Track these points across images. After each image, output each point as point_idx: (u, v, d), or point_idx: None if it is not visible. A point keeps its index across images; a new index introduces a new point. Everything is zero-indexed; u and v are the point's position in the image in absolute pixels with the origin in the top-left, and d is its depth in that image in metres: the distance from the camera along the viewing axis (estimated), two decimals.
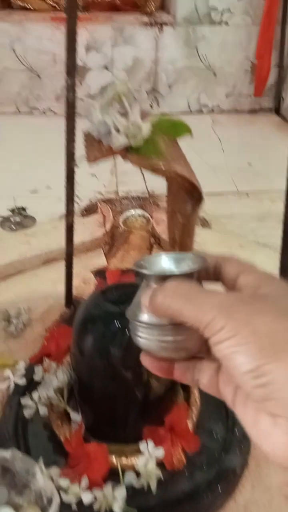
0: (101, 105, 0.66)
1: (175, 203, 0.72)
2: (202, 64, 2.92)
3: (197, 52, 2.87)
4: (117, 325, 0.79)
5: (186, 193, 0.63)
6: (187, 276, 0.36)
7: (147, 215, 1.82)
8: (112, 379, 0.79)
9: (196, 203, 0.65)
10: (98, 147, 0.64)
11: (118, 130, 0.63)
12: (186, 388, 0.98)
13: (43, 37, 2.70)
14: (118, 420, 0.84)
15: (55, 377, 0.92)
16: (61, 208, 1.86)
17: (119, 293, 0.84)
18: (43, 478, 0.78)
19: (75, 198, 1.11)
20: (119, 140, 0.61)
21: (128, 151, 0.62)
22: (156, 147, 0.63)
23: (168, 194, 0.76)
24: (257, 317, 0.32)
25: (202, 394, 0.97)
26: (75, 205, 1.11)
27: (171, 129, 0.70)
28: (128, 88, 0.68)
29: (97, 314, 0.82)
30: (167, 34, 2.79)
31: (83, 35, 2.70)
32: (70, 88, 0.94)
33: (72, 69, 0.93)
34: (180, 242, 0.77)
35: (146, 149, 0.63)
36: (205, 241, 1.49)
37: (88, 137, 0.67)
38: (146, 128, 0.63)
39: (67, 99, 0.94)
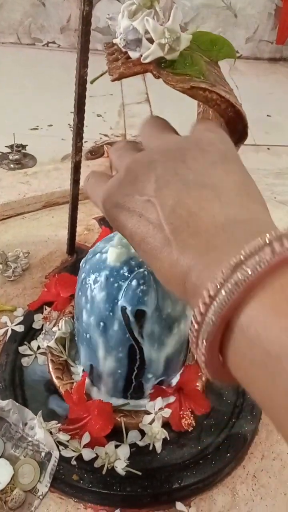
0: (130, 10, 0.54)
1: None
2: (222, 2, 2.69)
3: None
4: (127, 275, 0.71)
5: (229, 125, 0.53)
6: None
7: None
8: (121, 333, 0.72)
9: (239, 138, 0.55)
10: (124, 61, 0.53)
11: (150, 39, 0.51)
12: None
13: None
14: (124, 377, 0.77)
15: (57, 327, 0.85)
16: (64, 149, 1.75)
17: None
18: (42, 431, 0.73)
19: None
20: (150, 50, 0.50)
21: (160, 67, 0.51)
22: (194, 64, 0.52)
23: None
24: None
25: None
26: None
27: (212, 47, 0.58)
28: None
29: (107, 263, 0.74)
30: None
31: None
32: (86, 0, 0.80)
33: None
34: None
35: (182, 65, 0.52)
36: None
37: (112, 49, 0.55)
38: (185, 38, 0.52)
39: (81, 12, 0.81)
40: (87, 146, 1.78)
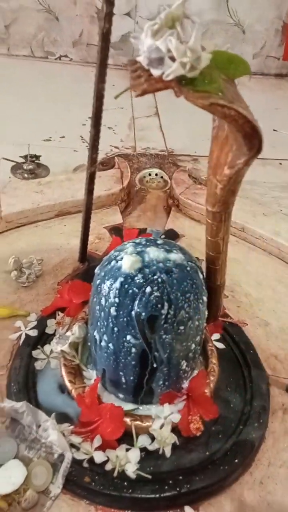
0: (153, 29, 0.57)
1: (223, 152, 0.65)
2: (231, 19, 2.74)
3: (227, 5, 2.69)
4: (141, 282, 0.73)
5: (244, 139, 0.56)
6: None
7: (165, 175, 1.74)
8: (134, 339, 0.74)
9: (253, 153, 0.57)
10: (147, 78, 0.56)
11: (172, 58, 0.54)
12: (205, 357, 0.94)
13: None
14: (136, 382, 0.79)
15: (70, 332, 0.87)
16: (75, 159, 1.78)
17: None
18: (56, 433, 0.74)
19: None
20: (172, 69, 0.53)
21: (181, 84, 0.54)
22: (213, 81, 0.55)
23: (214, 142, 0.68)
24: None
25: (221, 363, 0.93)
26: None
27: (229, 65, 0.61)
28: (185, 12, 0.59)
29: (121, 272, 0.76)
30: None
31: None
32: (106, 17, 0.84)
33: None
34: (222, 199, 0.70)
35: (202, 83, 0.55)
36: None
37: (135, 66, 0.58)
38: (206, 57, 0.55)
39: (101, 29, 0.85)
40: (98, 157, 1.81)
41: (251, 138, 0.55)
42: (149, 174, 1.76)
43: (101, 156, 1.78)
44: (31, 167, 1.59)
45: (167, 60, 0.55)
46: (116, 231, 1.37)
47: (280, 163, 1.95)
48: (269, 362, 1.02)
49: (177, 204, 1.54)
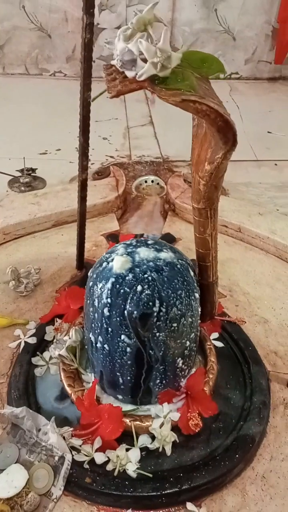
0: (125, 34, 0.59)
1: (203, 148, 0.66)
2: (221, 27, 2.78)
3: (216, 14, 2.73)
4: (132, 281, 0.74)
5: (219, 133, 0.57)
6: None
7: (161, 182, 1.76)
8: (128, 338, 0.75)
9: (229, 147, 0.59)
10: (121, 80, 0.58)
11: (144, 59, 0.56)
12: (204, 355, 0.94)
13: None
14: (133, 382, 0.80)
15: (68, 337, 0.88)
16: (72, 171, 1.80)
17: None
18: (55, 436, 0.75)
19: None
20: (144, 69, 0.55)
21: (154, 83, 0.56)
22: (185, 79, 0.57)
23: (194, 140, 0.70)
24: None
25: (220, 361, 0.94)
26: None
27: (202, 64, 0.63)
28: (155, 16, 0.61)
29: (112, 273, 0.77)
30: None
31: None
32: (87, 28, 0.86)
33: (90, 8, 0.85)
34: (206, 195, 0.71)
35: (174, 81, 0.56)
36: (223, 207, 1.43)
37: (110, 70, 0.60)
38: (176, 57, 0.57)
39: (83, 39, 0.87)
40: (93, 167, 1.84)
41: (225, 132, 0.57)
42: (145, 181, 1.78)
43: (96, 166, 1.81)
44: (28, 180, 1.62)
45: (139, 62, 0.57)
46: (113, 237, 1.38)
47: (276, 164, 1.96)
48: (269, 359, 1.02)
49: (173, 208, 1.56)
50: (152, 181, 1.78)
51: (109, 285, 0.75)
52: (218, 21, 2.76)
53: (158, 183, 1.76)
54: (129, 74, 0.58)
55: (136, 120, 2.31)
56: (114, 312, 0.75)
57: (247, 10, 2.75)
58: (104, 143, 2.03)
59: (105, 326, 0.77)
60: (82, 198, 1.09)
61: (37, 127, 2.15)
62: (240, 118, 2.25)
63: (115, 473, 0.75)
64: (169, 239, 1.39)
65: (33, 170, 1.70)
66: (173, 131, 2.14)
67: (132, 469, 0.75)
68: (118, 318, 0.75)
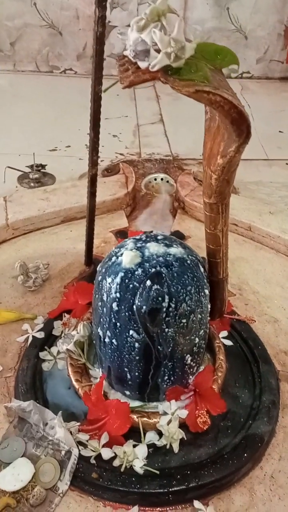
0: (139, 24, 0.59)
1: (216, 142, 0.65)
2: (232, 26, 2.77)
3: (228, 13, 2.72)
4: (141, 276, 0.73)
5: (232, 125, 0.56)
6: None
7: (171, 179, 1.75)
8: (137, 333, 0.74)
9: (242, 139, 0.58)
10: (134, 70, 0.57)
11: (157, 50, 0.55)
12: (213, 354, 0.93)
13: None
14: (141, 378, 0.79)
15: (76, 332, 0.88)
16: (81, 167, 1.81)
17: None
18: (62, 430, 0.75)
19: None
20: (158, 59, 0.54)
21: (168, 74, 0.55)
22: (199, 70, 0.56)
23: (206, 134, 0.69)
24: None
25: (229, 360, 0.93)
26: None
27: (216, 56, 0.62)
28: (169, 7, 0.60)
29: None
30: None
31: None
32: (100, 21, 0.86)
33: (102, 1, 0.84)
34: (218, 189, 0.71)
35: (188, 72, 0.56)
36: (233, 205, 1.41)
37: (123, 60, 0.60)
38: (190, 47, 0.56)
39: (95, 33, 0.87)
40: (103, 164, 1.84)
41: (239, 124, 0.56)
42: (155, 179, 1.77)
43: (106, 163, 1.80)
44: (37, 176, 1.62)
45: (153, 52, 0.56)
46: (122, 234, 1.38)
47: (287, 163, 1.94)
48: (279, 358, 1.01)
49: (182, 206, 1.55)
50: (162, 179, 1.77)
51: (118, 279, 0.75)
52: (230, 20, 2.75)
53: (167, 181, 1.76)
54: (142, 64, 0.57)
55: (146, 118, 2.30)
56: (122, 307, 0.74)
57: (259, 9, 2.73)
58: (114, 141, 2.02)
59: (113, 321, 0.76)
60: (92, 193, 1.08)
61: (47, 124, 2.15)
62: (251, 117, 2.21)
63: (122, 469, 0.74)
64: (178, 237, 1.38)
65: (43, 166, 1.70)
66: (183, 129, 2.13)
67: (139, 466, 0.75)
68: (126, 313, 0.74)
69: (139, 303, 0.73)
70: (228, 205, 0.75)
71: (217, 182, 0.69)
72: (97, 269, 0.82)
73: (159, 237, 0.81)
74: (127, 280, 0.74)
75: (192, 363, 0.82)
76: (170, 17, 0.61)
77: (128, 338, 0.76)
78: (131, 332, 0.75)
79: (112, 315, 0.76)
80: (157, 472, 0.74)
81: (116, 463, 0.75)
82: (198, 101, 0.55)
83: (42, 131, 2.09)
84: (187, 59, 0.57)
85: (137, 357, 0.77)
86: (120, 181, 1.58)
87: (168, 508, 0.72)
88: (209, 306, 0.82)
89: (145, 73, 0.56)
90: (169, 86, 0.56)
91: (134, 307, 0.73)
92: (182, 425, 0.80)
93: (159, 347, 0.76)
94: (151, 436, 0.79)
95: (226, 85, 0.59)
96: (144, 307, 0.72)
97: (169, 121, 2.27)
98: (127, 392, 0.83)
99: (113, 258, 0.78)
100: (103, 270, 0.79)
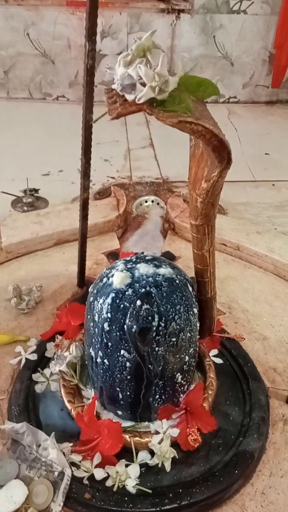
0: (125, 60, 0.63)
1: (200, 167, 0.69)
2: (219, 53, 2.87)
3: (214, 40, 2.82)
4: (132, 296, 0.75)
5: (214, 152, 0.60)
6: None
7: (161, 202, 1.79)
8: (128, 353, 0.76)
9: (224, 165, 0.61)
10: (122, 102, 0.61)
11: (143, 84, 0.59)
12: (203, 372, 0.95)
13: (57, 21, 2.66)
14: (133, 398, 0.80)
15: (68, 352, 0.89)
16: (73, 191, 1.85)
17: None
18: (55, 451, 0.75)
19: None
20: (143, 93, 0.58)
21: (153, 106, 0.59)
22: (182, 102, 0.60)
23: (191, 160, 0.72)
24: None
25: (219, 378, 0.94)
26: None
27: (198, 88, 0.66)
28: (154, 43, 0.65)
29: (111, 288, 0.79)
30: (184, 21, 2.74)
31: (98, 21, 2.66)
32: (89, 54, 0.90)
33: (92, 33, 0.89)
34: (203, 212, 0.74)
35: (172, 104, 0.59)
36: (222, 225, 1.45)
37: (111, 93, 0.63)
38: (173, 81, 0.60)
39: (85, 65, 0.91)
40: (95, 188, 1.88)
41: (220, 151, 0.59)
42: (146, 201, 1.81)
43: (98, 186, 1.84)
44: (30, 200, 1.65)
45: (138, 86, 0.60)
46: (114, 256, 1.40)
47: (273, 184, 2.00)
48: (268, 375, 1.03)
49: (173, 227, 1.58)
50: (152, 201, 1.81)
51: (109, 300, 0.77)
52: (217, 47, 2.85)
53: (158, 203, 1.80)
54: (129, 97, 0.61)
55: (136, 142, 2.36)
56: (114, 327, 0.76)
57: (244, 36, 2.84)
58: (106, 165, 2.07)
59: (105, 341, 0.78)
60: (84, 216, 1.11)
61: (40, 150, 2.20)
62: (238, 140, 2.31)
63: (115, 489, 0.75)
64: (169, 258, 1.41)
65: (36, 190, 1.73)
66: (172, 153, 2.19)
67: (131, 485, 0.75)
68: (118, 333, 0.76)
69: (129, 323, 0.75)
70: (213, 226, 0.78)
71: (202, 205, 0.72)
72: (89, 289, 0.85)
73: (148, 258, 0.84)
74: (118, 301, 0.76)
75: (182, 381, 0.84)
76: (155, 52, 0.65)
77: (120, 358, 0.77)
78: (122, 351, 0.77)
79: (104, 335, 0.78)
80: (150, 491, 0.75)
81: (108, 483, 0.76)
82: (181, 130, 0.59)
83: (35, 156, 2.14)
84: (171, 91, 0.61)
85: (128, 377, 0.78)
86: (111, 203, 1.62)
87: None
88: (198, 325, 0.84)
89: (131, 105, 0.60)
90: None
91: (125, 326, 0.75)
92: (174, 444, 0.81)
93: (150, 366, 0.77)
94: (143, 456, 0.80)
95: (208, 115, 0.63)
96: (134, 326, 0.74)
97: (159, 145, 2.34)
98: (119, 412, 0.84)
99: (104, 279, 0.81)
100: (95, 291, 0.82)
